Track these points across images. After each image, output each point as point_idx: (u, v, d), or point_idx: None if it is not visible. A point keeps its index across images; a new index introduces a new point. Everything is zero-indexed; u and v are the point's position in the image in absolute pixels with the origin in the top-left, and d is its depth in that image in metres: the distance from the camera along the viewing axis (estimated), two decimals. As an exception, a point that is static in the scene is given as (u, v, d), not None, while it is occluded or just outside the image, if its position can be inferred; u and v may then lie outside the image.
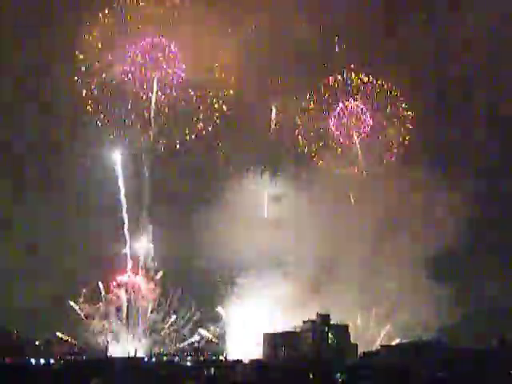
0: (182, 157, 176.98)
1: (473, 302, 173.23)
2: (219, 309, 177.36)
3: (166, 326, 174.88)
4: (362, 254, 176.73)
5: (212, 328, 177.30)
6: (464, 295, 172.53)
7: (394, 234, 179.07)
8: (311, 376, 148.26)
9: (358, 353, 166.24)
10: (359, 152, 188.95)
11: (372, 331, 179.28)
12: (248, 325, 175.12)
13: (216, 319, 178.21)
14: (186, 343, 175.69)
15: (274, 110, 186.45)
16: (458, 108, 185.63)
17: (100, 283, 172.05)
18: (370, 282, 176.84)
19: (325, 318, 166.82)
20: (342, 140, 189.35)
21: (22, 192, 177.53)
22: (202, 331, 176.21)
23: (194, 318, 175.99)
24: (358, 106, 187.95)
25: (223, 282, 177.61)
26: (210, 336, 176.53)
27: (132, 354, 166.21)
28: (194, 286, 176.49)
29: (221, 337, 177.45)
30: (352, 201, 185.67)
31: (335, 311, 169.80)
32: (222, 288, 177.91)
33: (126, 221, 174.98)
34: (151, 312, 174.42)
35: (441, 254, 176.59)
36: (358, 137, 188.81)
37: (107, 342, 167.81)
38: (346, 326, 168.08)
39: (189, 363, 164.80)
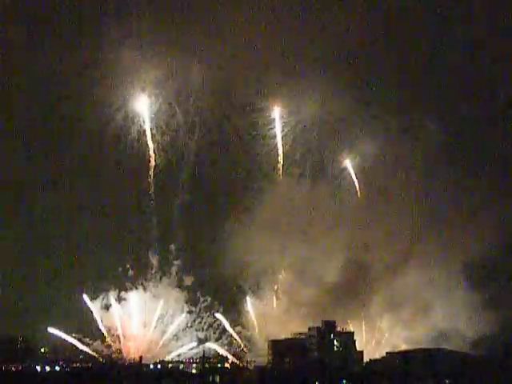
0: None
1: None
2: (218, 315, 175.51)
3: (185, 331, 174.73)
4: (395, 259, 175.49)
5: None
6: (501, 302, 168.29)
7: (431, 236, 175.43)
8: (317, 383, 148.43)
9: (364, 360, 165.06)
10: None
11: (402, 335, 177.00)
12: (262, 331, 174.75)
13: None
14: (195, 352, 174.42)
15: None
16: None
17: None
18: (401, 286, 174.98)
19: (330, 325, 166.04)
20: None
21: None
22: (220, 350, 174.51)
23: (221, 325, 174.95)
24: None
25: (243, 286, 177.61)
26: (230, 357, 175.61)
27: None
28: (223, 292, 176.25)
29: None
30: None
31: (359, 317, 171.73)
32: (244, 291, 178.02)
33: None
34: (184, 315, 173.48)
35: (478, 258, 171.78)
36: None
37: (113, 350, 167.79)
38: (352, 333, 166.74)
39: (194, 370, 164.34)
